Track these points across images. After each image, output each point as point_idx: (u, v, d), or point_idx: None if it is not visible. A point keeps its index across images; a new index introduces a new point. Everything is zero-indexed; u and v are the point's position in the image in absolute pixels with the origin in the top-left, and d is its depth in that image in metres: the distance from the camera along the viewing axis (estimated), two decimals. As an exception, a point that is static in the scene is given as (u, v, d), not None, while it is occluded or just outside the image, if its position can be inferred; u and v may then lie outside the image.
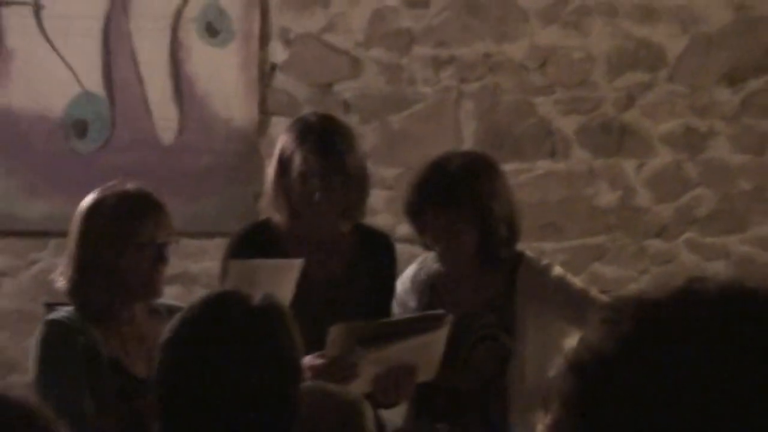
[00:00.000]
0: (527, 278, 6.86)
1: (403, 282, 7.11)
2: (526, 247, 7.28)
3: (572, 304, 6.69)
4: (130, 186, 6.57)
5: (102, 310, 6.38)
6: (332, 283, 6.77)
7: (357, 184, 6.79)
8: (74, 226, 6.50)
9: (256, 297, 4.50)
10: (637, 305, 2.43)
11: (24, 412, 2.36)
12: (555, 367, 2.38)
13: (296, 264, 6.56)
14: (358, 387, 5.97)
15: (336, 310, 6.55)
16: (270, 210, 6.89)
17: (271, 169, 6.83)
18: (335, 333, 6.31)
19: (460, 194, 6.75)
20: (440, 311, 6.63)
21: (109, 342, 6.39)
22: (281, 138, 6.88)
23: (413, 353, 6.49)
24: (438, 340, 6.50)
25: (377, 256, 6.99)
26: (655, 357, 2.38)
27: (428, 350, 6.53)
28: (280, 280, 6.49)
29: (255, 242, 6.86)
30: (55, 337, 6.47)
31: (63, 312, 6.55)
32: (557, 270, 6.93)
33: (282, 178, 6.71)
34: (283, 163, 6.71)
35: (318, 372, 6.03)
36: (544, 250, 9.00)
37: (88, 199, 6.51)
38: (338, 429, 4.99)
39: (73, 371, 6.38)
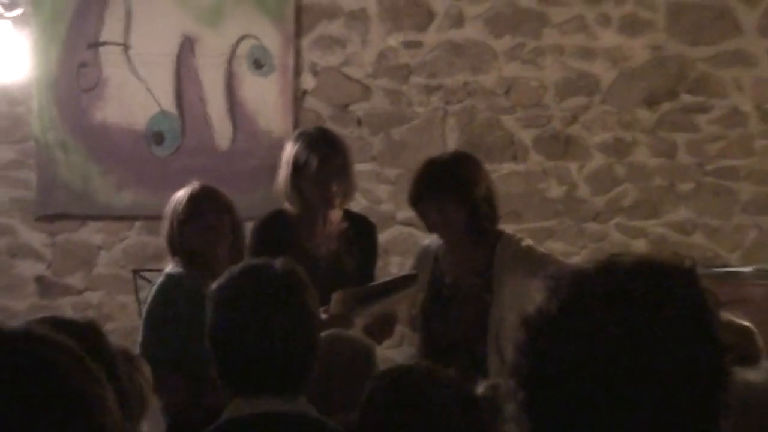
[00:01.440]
0: (503, 250, 6.93)
1: (418, 251, 7.24)
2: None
3: (538, 263, 6.73)
4: (198, 185, 6.83)
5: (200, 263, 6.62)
6: (332, 256, 6.88)
7: (351, 181, 6.99)
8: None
9: (278, 264, 4.51)
10: (572, 276, 2.55)
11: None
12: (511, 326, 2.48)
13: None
14: (353, 333, 6.02)
15: (335, 277, 6.67)
16: (281, 198, 6.94)
17: (283, 171, 6.88)
18: (336, 297, 6.46)
19: (447, 181, 6.82)
20: (412, 272, 6.86)
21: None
22: (290, 146, 6.97)
23: (394, 305, 6.70)
24: (408, 293, 6.74)
25: (364, 235, 7.12)
26: (583, 315, 2.49)
27: (401, 300, 6.73)
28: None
29: (274, 225, 6.98)
30: (168, 284, 6.73)
31: (176, 268, 6.74)
32: (527, 241, 7.06)
33: (296, 177, 6.81)
34: (297, 167, 6.81)
35: (324, 325, 5.68)
36: (507, 229, 9.16)
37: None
38: (352, 364, 5.05)
39: (179, 313, 6.54)
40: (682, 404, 2.50)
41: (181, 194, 6.77)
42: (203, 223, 6.67)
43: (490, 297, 6.85)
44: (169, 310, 6.67)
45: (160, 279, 6.85)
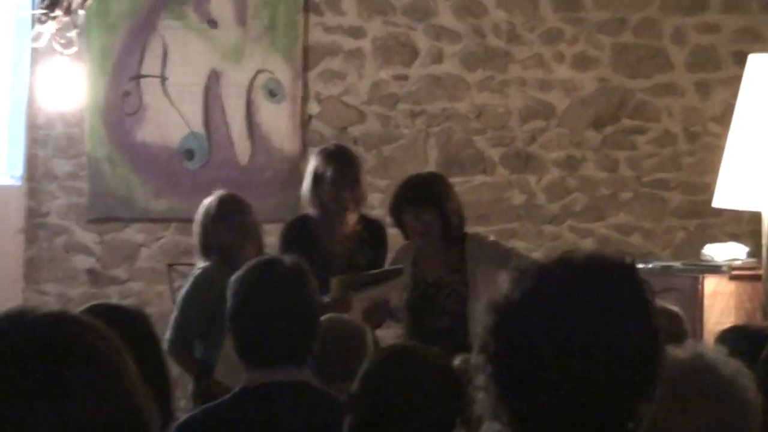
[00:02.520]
0: (473, 248, 7.00)
1: (398, 250, 7.21)
2: (469, 229, 7.45)
3: (503, 256, 6.78)
4: (224, 192, 6.93)
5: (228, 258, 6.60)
6: (347, 253, 6.92)
7: (362, 189, 7.05)
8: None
9: (286, 259, 4.54)
10: (534, 268, 2.60)
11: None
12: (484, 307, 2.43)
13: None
14: (353, 316, 6.06)
15: (350, 271, 6.72)
16: (307, 207, 7.02)
17: (306, 182, 6.95)
18: (334, 282, 6.47)
19: (424, 196, 6.89)
20: (399, 266, 6.86)
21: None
22: (312, 161, 7.05)
23: (387, 292, 6.74)
24: (399, 283, 6.76)
25: (376, 236, 7.15)
26: (543, 301, 2.52)
27: (393, 288, 6.76)
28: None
29: (299, 228, 7.00)
30: (204, 275, 6.79)
31: (210, 263, 6.80)
32: (491, 238, 7.23)
33: (316, 188, 6.87)
34: (317, 178, 6.88)
35: (325, 308, 5.68)
36: (479, 231, 9.11)
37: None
38: (346, 343, 5.07)
39: (209, 301, 6.48)
40: (626, 375, 2.52)
41: (211, 199, 6.87)
42: (232, 222, 6.73)
43: (466, 290, 6.88)
44: (200, 297, 6.71)
45: (196, 271, 6.91)
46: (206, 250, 6.84)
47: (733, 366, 3.20)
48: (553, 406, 2.52)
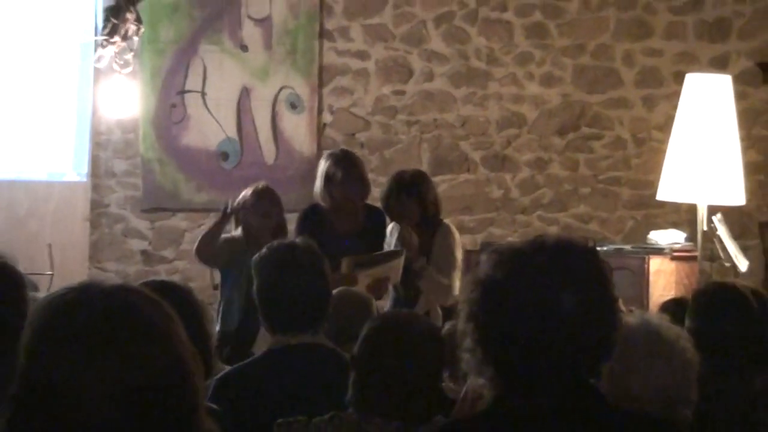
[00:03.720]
0: (439, 235, 7.01)
1: (389, 231, 7.14)
2: (454, 219, 7.47)
3: (442, 257, 6.95)
4: (264, 184, 6.96)
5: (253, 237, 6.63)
6: (353, 236, 6.87)
7: (365, 186, 7.02)
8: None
9: (301, 242, 4.54)
10: (512, 250, 2.61)
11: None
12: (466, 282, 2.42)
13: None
14: (359, 290, 5.99)
15: (355, 251, 6.67)
16: (318, 199, 6.94)
17: (318, 181, 6.92)
18: (345, 261, 6.49)
19: (408, 189, 6.94)
20: (399, 249, 6.85)
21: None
22: (322, 163, 7.01)
23: (387, 270, 6.68)
24: (398, 264, 6.72)
25: (376, 221, 7.09)
26: (521, 277, 2.54)
27: (394, 269, 6.71)
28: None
29: (312, 215, 6.95)
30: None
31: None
32: (451, 238, 7.06)
33: (327, 186, 6.84)
34: (329, 177, 6.84)
35: (336, 283, 5.80)
36: (462, 221, 9.07)
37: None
38: (355, 311, 4.98)
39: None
40: (590, 339, 2.54)
41: (250, 190, 6.85)
42: (260, 210, 6.75)
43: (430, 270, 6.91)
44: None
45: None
46: (236, 224, 6.88)
47: (674, 330, 3.23)
48: (529, 364, 2.52)
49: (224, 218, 6.86)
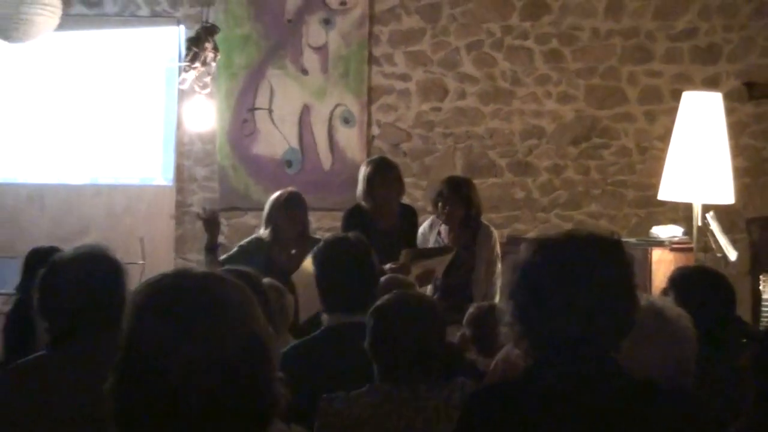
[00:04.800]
0: (482, 235, 6.97)
1: (423, 226, 7.16)
2: (484, 216, 7.41)
3: (486, 253, 6.91)
4: (292, 189, 6.85)
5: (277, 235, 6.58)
6: (390, 230, 6.82)
7: (400, 188, 6.98)
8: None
9: (351, 236, 4.57)
10: (549, 240, 2.63)
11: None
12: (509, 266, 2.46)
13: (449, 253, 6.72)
14: (410, 278, 5.97)
15: (392, 244, 6.58)
16: (360, 200, 6.92)
17: (360, 185, 6.89)
18: (403, 253, 6.46)
19: (456, 192, 6.91)
20: (450, 245, 6.81)
21: (280, 250, 6.53)
22: (363, 168, 6.99)
23: (435, 264, 6.63)
24: (447, 258, 6.67)
25: (410, 218, 7.08)
26: (557, 263, 2.55)
27: (442, 263, 6.67)
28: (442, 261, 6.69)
29: (356, 213, 6.91)
30: (253, 241, 6.74)
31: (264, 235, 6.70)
32: (492, 238, 7.02)
33: (369, 187, 6.82)
34: (369, 181, 6.83)
35: (394, 270, 6.00)
36: (491, 218, 9.04)
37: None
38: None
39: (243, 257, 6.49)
40: (614, 318, 2.55)
41: (282, 191, 6.81)
42: (291, 214, 6.66)
43: (473, 262, 6.89)
44: (245, 249, 6.72)
45: (253, 236, 6.92)
46: (264, 222, 6.78)
47: (676, 311, 3.22)
48: (562, 339, 2.53)
49: (207, 227, 6.74)
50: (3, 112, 9.47)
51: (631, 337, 2.71)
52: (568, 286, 2.51)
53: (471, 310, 5.75)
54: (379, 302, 3.77)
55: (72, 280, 3.33)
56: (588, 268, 2.53)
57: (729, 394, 3.67)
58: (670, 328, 3.15)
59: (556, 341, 2.52)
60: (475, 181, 9.00)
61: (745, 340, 4.34)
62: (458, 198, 6.91)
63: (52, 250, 5.37)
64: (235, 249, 6.81)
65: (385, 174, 6.88)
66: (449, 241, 6.93)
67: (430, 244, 7.09)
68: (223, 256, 6.68)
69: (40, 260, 5.14)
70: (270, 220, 6.69)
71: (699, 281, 4.21)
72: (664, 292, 4.38)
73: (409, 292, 4.04)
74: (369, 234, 5.15)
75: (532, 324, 2.56)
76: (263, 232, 6.75)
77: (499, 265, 6.95)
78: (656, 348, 3.08)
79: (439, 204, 7.00)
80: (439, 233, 7.05)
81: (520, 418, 2.51)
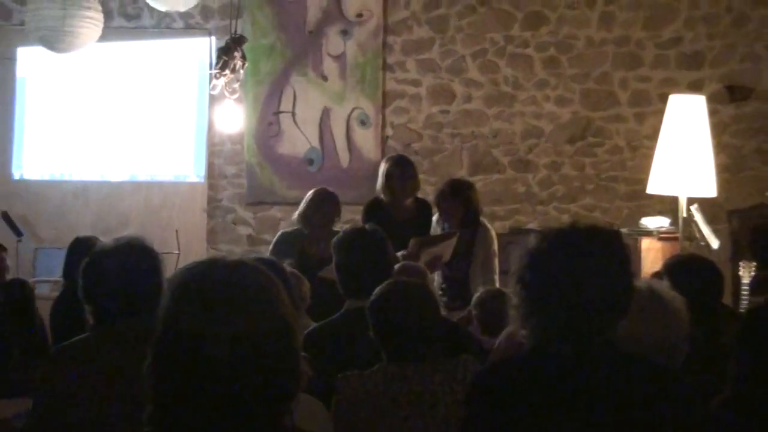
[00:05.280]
0: (480, 233, 6.81)
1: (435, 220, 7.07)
2: (488, 209, 7.43)
3: (483, 252, 6.77)
4: (322, 188, 6.83)
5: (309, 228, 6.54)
6: (406, 222, 6.77)
7: (416, 183, 6.96)
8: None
9: (369, 227, 4.57)
10: (554, 230, 2.64)
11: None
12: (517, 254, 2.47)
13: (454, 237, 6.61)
14: (419, 263, 5.94)
15: (408, 234, 6.52)
16: (379, 194, 6.88)
17: (380, 179, 6.85)
18: (412, 241, 6.39)
19: (456, 193, 6.80)
20: (453, 230, 6.68)
21: (312, 243, 6.50)
22: (383, 165, 6.96)
23: (442, 249, 6.55)
24: (452, 242, 6.56)
25: (425, 211, 7.01)
26: (562, 250, 2.56)
27: (448, 247, 6.58)
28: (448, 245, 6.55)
29: (374, 206, 6.87)
30: (287, 233, 6.74)
31: (294, 228, 6.73)
32: (490, 237, 6.85)
33: (388, 183, 6.78)
34: (388, 176, 6.79)
35: (405, 258, 5.98)
36: (494, 210, 9.03)
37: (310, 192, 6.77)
38: (416, 277, 4.91)
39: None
40: (613, 300, 2.54)
41: (312, 192, 6.80)
42: (321, 211, 6.66)
43: (471, 257, 6.77)
44: (282, 241, 6.72)
45: (288, 227, 6.93)
46: (299, 218, 6.77)
47: (671, 293, 3.23)
48: (565, 321, 2.52)
49: None
50: (51, 115, 9.50)
51: (631, 316, 2.71)
52: (572, 272, 2.52)
53: (478, 293, 5.76)
54: (373, 296, 3.75)
55: (113, 268, 3.34)
56: (590, 256, 2.54)
57: (716, 370, 3.66)
58: (666, 308, 3.15)
59: (559, 322, 2.53)
60: (480, 177, 9.11)
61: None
62: (455, 199, 6.83)
63: (91, 240, 5.42)
64: (273, 245, 6.79)
65: (402, 170, 6.84)
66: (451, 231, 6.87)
67: None
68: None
69: (81, 249, 5.23)
70: (304, 216, 6.70)
71: (692, 268, 4.20)
72: (658, 276, 4.37)
73: (399, 280, 4.00)
74: (386, 225, 5.13)
75: (538, 306, 2.56)
76: (296, 226, 6.76)
77: (495, 261, 6.85)
78: (654, 325, 3.08)
79: (440, 203, 6.94)
80: (443, 230, 6.97)
81: (524, 392, 2.50)
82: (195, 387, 1.95)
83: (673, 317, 3.15)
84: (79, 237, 5.72)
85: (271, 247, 6.74)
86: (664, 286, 3.29)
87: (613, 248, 2.57)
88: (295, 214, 6.83)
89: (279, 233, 6.87)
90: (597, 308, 2.51)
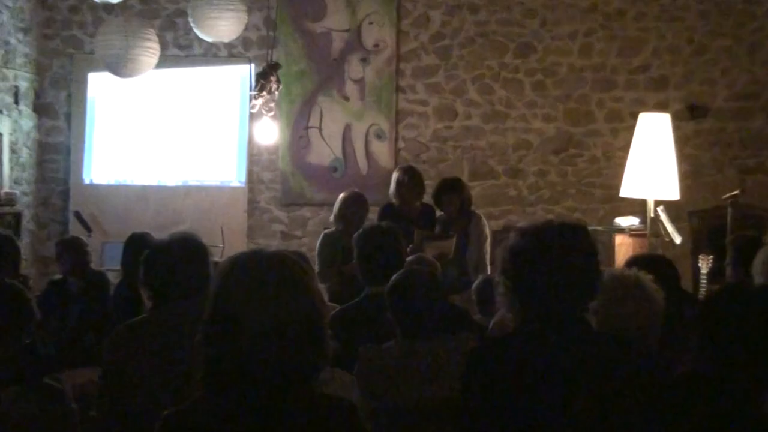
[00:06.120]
0: (473, 222, 6.77)
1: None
2: (485, 210, 7.41)
3: (476, 237, 6.71)
4: (353, 190, 6.77)
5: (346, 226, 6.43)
6: (413, 221, 6.62)
7: (422, 190, 6.87)
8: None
9: (384, 224, 4.58)
10: (532, 227, 2.61)
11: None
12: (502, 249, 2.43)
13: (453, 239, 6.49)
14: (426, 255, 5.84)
15: (414, 233, 6.42)
16: (391, 198, 6.82)
17: (392, 186, 6.79)
18: (416, 233, 6.33)
19: (452, 189, 6.75)
20: (452, 233, 6.59)
21: (349, 239, 6.45)
22: (395, 174, 6.89)
23: (445, 247, 6.46)
24: (452, 242, 6.50)
25: (429, 214, 6.89)
26: (539, 244, 2.53)
27: (450, 246, 6.49)
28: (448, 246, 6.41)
29: (388, 208, 6.79)
30: (329, 234, 6.62)
31: (334, 228, 6.61)
32: (482, 224, 6.79)
33: (399, 189, 6.73)
34: (399, 184, 6.74)
35: (412, 251, 5.79)
36: (490, 211, 8.98)
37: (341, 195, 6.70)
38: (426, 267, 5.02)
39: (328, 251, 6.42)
40: (582, 284, 2.52)
41: (344, 195, 6.76)
42: (353, 209, 6.60)
43: (467, 242, 6.70)
44: (324, 243, 6.57)
45: (328, 230, 6.82)
46: (336, 218, 6.72)
47: (647, 278, 3.21)
48: (543, 302, 2.51)
49: None
50: (116, 129, 9.52)
51: (614, 297, 2.70)
52: (547, 263, 2.50)
53: (476, 282, 5.77)
54: (390, 283, 3.77)
55: (169, 258, 3.35)
56: (562, 248, 2.51)
57: (681, 346, 3.66)
58: (643, 293, 3.15)
59: (539, 306, 2.52)
60: (477, 183, 9.12)
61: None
62: (451, 194, 6.75)
63: (145, 236, 5.43)
64: (319, 247, 6.65)
65: (410, 178, 6.79)
66: (452, 230, 6.79)
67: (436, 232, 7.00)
68: (318, 265, 6.48)
69: (135, 243, 5.30)
70: (340, 216, 6.63)
71: (651, 261, 4.17)
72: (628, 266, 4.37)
73: (413, 269, 4.01)
74: (397, 224, 5.12)
75: (520, 294, 2.55)
76: (334, 227, 6.66)
77: (488, 244, 6.81)
78: (635, 304, 3.08)
79: (440, 196, 6.86)
80: (442, 222, 6.90)
81: (511, 366, 2.50)
82: (238, 358, 1.96)
83: (650, 299, 3.14)
84: (134, 233, 5.72)
85: (317, 249, 6.63)
86: (641, 273, 3.28)
87: (580, 242, 2.55)
88: (332, 217, 6.77)
89: (321, 235, 6.77)
90: (569, 293, 2.49)
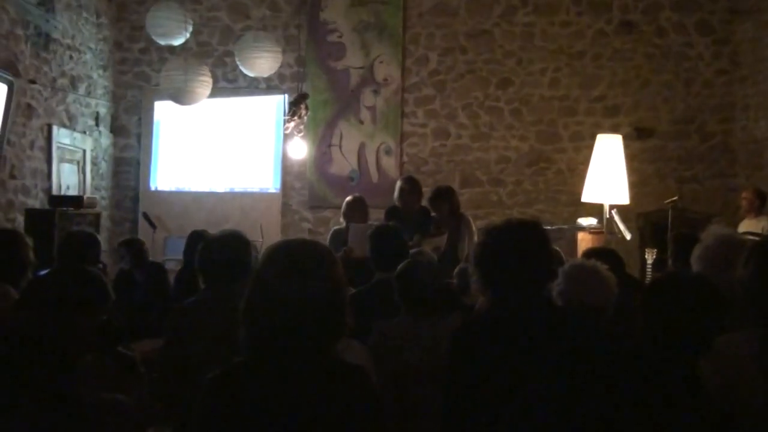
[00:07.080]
0: (463, 222, 6.60)
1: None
2: (472, 212, 7.33)
3: (467, 235, 6.51)
4: (357, 195, 6.66)
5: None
6: (413, 222, 6.48)
7: (420, 196, 6.72)
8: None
9: (390, 224, 4.54)
10: (497, 226, 2.58)
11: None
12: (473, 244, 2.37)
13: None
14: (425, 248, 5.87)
15: (414, 230, 6.34)
16: (395, 202, 6.67)
17: (396, 193, 6.63)
18: (416, 236, 6.23)
19: (442, 196, 6.60)
20: (444, 230, 6.48)
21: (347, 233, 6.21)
22: (398, 183, 6.75)
23: (439, 241, 6.40)
24: (444, 237, 6.40)
25: (426, 216, 6.69)
26: (502, 239, 2.50)
27: (442, 240, 6.41)
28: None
29: (392, 211, 6.65)
30: (336, 231, 6.50)
31: (339, 225, 6.48)
32: (470, 225, 6.59)
33: (402, 195, 6.59)
34: (401, 191, 6.61)
35: (412, 247, 5.78)
36: (477, 213, 8.93)
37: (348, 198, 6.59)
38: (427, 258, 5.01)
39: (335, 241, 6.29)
40: (541, 269, 2.48)
41: (349, 198, 6.66)
42: (356, 211, 6.52)
43: (457, 238, 6.58)
44: (333, 238, 6.47)
45: (336, 227, 6.74)
46: (343, 217, 6.64)
47: (602, 266, 3.18)
48: (510, 287, 2.48)
49: None
50: (177, 146, 9.53)
51: (577, 281, 2.67)
52: (507, 255, 2.47)
53: (456, 270, 5.72)
54: (398, 270, 3.75)
55: (219, 249, 3.35)
56: (519, 242, 2.48)
57: (627, 325, 3.64)
58: (601, 276, 3.13)
59: (505, 289, 2.49)
60: (466, 190, 9.05)
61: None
62: (442, 198, 6.61)
63: (203, 232, 5.45)
64: (330, 238, 6.58)
65: (410, 186, 6.73)
66: (443, 228, 6.69)
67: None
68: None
69: (195, 238, 5.31)
70: (346, 215, 6.58)
71: (604, 254, 4.15)
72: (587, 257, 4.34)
73: (416, 259, 3.97)
74: (400, 224, 5.09)
75: (488, 279, 2.52)
76: (338, 225, 6.59)
77: (474, 240, 6.74)
78: (593, 286, 3.06)
79: (434, 201, 6.72)
80: (436, 222, 6.84)
81: (484, 339, 2.48)
82: (275, 327, 1.94)
83: (606, 285, 3.11)
84: (195, 230, 5.76)
85: (329, 238, 6.58)
86: (598, 263, 3.26)
87: (535, 235, 2.52)
88: (341, 216, 6.73)
89: (332, 230, 6.74)
90: (529, 277, 2.47)
